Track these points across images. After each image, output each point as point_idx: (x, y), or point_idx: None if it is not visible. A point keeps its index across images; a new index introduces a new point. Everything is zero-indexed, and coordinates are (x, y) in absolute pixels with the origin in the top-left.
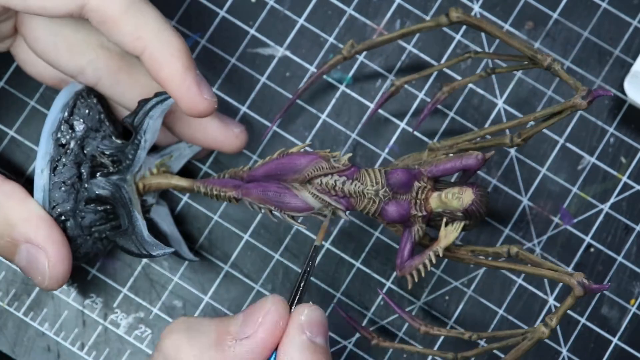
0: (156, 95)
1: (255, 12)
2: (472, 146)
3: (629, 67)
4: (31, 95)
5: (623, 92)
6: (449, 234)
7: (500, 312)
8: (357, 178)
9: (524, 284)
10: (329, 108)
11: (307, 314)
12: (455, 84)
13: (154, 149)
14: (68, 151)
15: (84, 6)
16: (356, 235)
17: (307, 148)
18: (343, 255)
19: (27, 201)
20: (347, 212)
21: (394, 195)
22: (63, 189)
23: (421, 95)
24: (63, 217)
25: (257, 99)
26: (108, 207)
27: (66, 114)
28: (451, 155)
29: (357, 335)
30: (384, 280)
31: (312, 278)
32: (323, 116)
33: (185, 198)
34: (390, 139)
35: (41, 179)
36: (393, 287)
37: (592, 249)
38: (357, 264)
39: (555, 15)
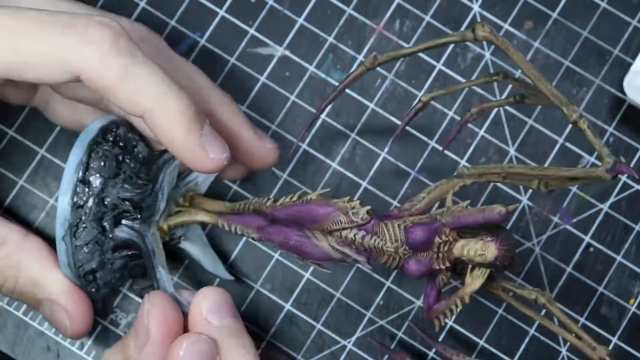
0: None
1: (254, 12)
2: (499, 180)
3: (629, 67)
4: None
5: (622, 91)
6: (475, 280)
7: (500, 311)
8: (376, 233)
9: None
10: (328, 108)
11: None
12: (485, 106)
13: (179, 175)
14: (87, 211)
15: (79, 77)
16: None
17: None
18: None
19: (48, 261)
20: (368, 262)
21: (414, 253)
22: (86, 249)
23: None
24: (91, 273)
25: (257, 99)
26: (135, 251)
27: (80, 173)
28: (473, 208)
29: (357, 335)
30: (383, 280)
31: (311, 277)
32: (323, 116)
33: None
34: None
35: (62, 244)
36: (393, 286)
37: (591, 249)
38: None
39: (554, 15)
